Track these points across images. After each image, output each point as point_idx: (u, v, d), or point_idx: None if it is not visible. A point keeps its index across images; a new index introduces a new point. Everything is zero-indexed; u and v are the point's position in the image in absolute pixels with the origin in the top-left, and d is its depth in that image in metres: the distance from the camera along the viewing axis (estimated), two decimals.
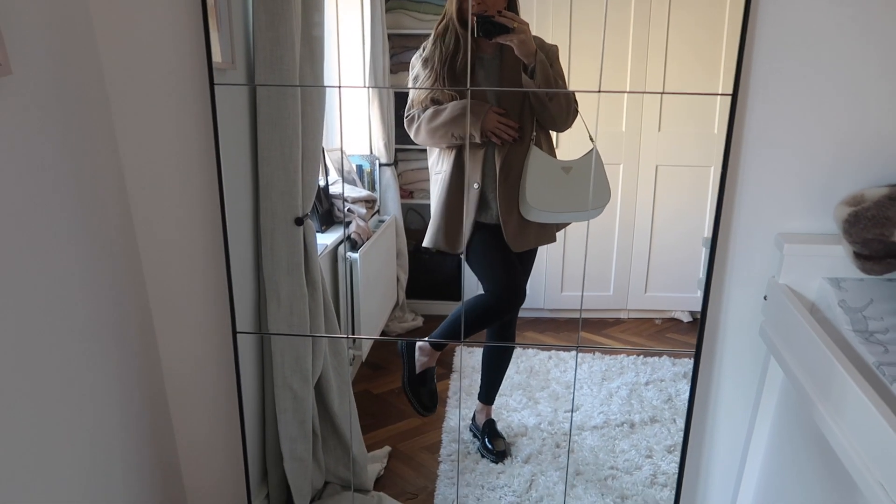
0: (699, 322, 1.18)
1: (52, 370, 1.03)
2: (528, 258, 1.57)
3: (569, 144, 1.43)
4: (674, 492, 1.36)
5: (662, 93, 1.57)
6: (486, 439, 1.67)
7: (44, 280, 1.01)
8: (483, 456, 1.67)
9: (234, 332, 1.26)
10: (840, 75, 1.06)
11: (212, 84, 1.12)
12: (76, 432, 1.09)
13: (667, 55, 1.54)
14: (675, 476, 1.38)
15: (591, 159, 1.37)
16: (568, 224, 1.53)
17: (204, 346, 1.34)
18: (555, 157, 1.42)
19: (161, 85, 1.16)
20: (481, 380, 1.72)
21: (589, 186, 1.38)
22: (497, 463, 1.65)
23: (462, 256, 1.50)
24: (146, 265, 1.29)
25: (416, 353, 1.61)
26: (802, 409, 1.05)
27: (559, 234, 1.58)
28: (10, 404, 0.94)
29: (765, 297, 1.15)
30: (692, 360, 1.23)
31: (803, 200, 1.11)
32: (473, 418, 1.73)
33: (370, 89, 1.72)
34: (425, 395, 1.64)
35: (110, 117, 1.18)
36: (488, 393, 1.71)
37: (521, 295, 1.54)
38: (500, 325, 1.63)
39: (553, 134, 1.43)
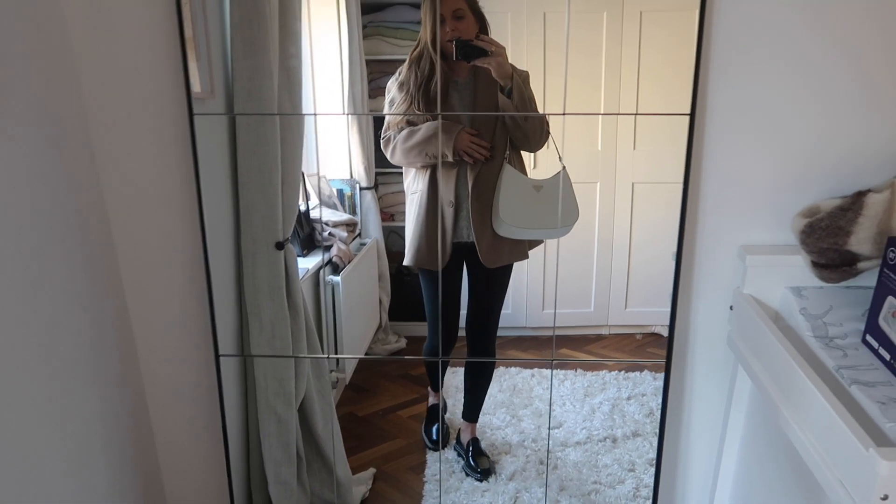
0: (668, 333, 1.23)
1: (32, 398, 1.06)
2: (502, 278, 1.62)
3: (543, 165, 1.49)
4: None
5: (619, 113, 1.63)
6: (471, 458, 1.70)
7: (28, 304, 1.04)
8: (468, 475, 1.70)
9: (217, 356, 1.29)
10: (795, 96, 1.13)
11: (191, 114, 1.17)
12: (58, 457, 1.11)
13: (639, 74, 1.60)
14: None
15: (561, 179, 1.43)
16: (541, 242, 1.57)
17: (187, 370, 1.37)
18: (526, 175, 1.47)
19: (142, 115, 1.21)
20: (464, 398, 1.75)
21: (558, 205, 1.43)
22: (481, 481, 1.68)
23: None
24: (128, 290, 1.33)
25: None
26: (769, 414, 1.10)
27: (539, 253, 1.63)
28: None
29: (731, 308, 1.20)
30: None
31: (764, 213, 1.17)
32: (458, 437, 1.76)
33: (349, 115, 1.77)
34: (433, 431, 1.75)
35: (91, 146, 1.23)
36: (471, 411, 1.75)
37: (451, 342, 1.65)
38: (479, 343, 1.67)
39: (526, 155, 1.48)
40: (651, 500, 1.37)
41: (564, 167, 1.45)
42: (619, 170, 1.77)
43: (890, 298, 0.98)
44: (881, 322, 0.99)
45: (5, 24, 1.00)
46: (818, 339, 1.04)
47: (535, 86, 1.43)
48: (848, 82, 1.12)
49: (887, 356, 0.97)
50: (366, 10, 1.68)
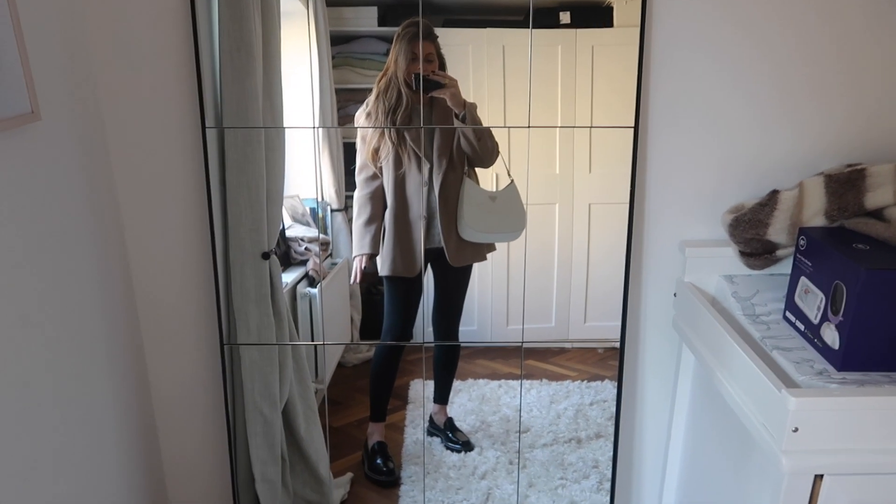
0: (622, 318, 1.45)
1: (48, 389, 1.21)
2: (464, 275, 1.83)
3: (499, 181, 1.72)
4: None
5: (568, 126, 1.82)
6: (450, 433, 1.88)
7: (46, 302, 1.20)
8: (449, 449, 1.87)
9: (222, 344, 1.46)
10: (721, 116, 1.40)
11: (203, 127, 1.38)
12: (69, 446, 1.26)
13: (592, 99, 1.83)
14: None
15: (511, 191, 1.67)
16: (493, 250, 1.79)
17: (192, 361, 1.60)
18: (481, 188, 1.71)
19: (157, 127, 1.47)
20: (435, 383, 1.92)
21: (510, 213, 1.68)
22: (463, 452, 1.86)
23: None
24: (136, 282, 1.57)
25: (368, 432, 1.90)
26: (708, 380, 1.32)
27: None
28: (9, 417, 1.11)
29: (674, 295, 1.43)
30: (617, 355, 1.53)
31: (700, 212, 1.43)
32: (431, 421, 1.92)
33: (320, 137, 1.96)
34: (379, 470, 1.89)
35: (109, 157, 1.46)
36: (444, 394, 1.92)
37: (407, 338, 1.85)
38: (449, 331, 1.86)
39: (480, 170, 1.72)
40: (610, 470, 1.58)
41: (513, 180, 1.69)
42: (577, 191, 1.99)
43: (802, 279, 1.21)
44: (797, 299, 1.22)
45: (42, 50, 1.20)
46: (747, 316, 1.27)
47: (497, 109, 1.66)
48: (771, 105, 1.39)
49: (802, 327, 1.20)
50: (334, 41, 1.87)
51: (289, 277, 1.87)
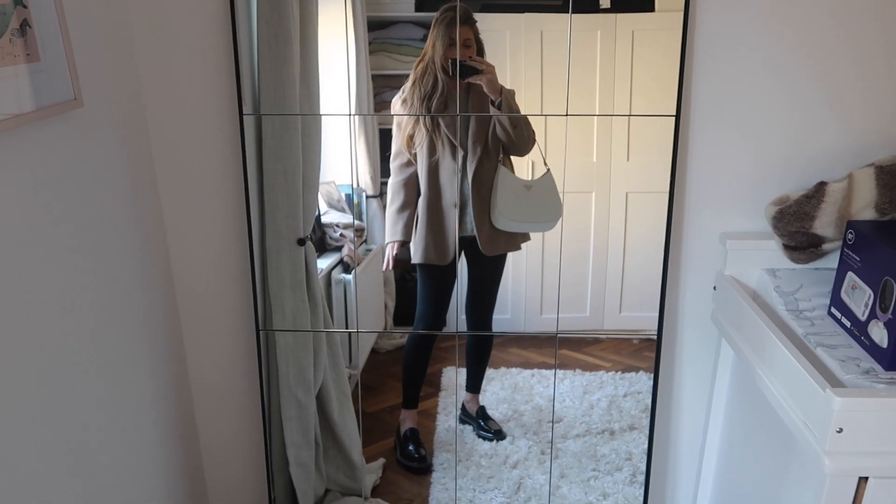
0: (658, 311, 1.42)
1: (90, 372, 1.23)
2: (498, 264, 1.81)
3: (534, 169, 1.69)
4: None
5: (607, 115, 1.79)
6: (482, 422, 1.87)
7: (91, 288, 1.22)
8: (480, 437, 1.87)
9: (258, 330, 1.48)
10: (765, 104, 1.36)
11: (241, 114, 1.41)
12: (110, 429, 1.29)
13: (632, 87, 1.79)
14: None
15: (547, 180, 1.64)
16: (528, 239, 1.77)
17: (228, 346, 1.62)
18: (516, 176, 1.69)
19: (196, 115, 1.48)
20: (467, 372, 1.92)
21: (545, 202, 1.65)
22: (495, 441, 1.85)
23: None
24: (175, 267, 1.59)
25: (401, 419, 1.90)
26: (747, 377, 1.29)
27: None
28: (50, 401, 1.13)
29: (714, 288, 1.40)
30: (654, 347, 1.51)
31: (741, 204, 1.39)
32: (463, 409, 1.92)
33: (356, 124, 1.96)
34: (411, 456, 1.89)
35: (149, 144, 1.48)
36: (477, 383, 1.92)
37: (440, 326, 1.84)
38: (481, 320, 1.85)
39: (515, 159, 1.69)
40: (644, 462, 1.56)
41: (549, 169, 1.66)
42: (614, 180, 1.95)
43: (850, 274, 1.17)
44: (843, 295, 1.18)
45: (84, 37, 1.21)
46: (790, 312, 1.23)
47: (534, 96, 1.63)
48: (817, 92, 1.34)
49: (848, 324, 1.16)
50: (371, 27, 1.85)
51: (324, 263, 1.88)
